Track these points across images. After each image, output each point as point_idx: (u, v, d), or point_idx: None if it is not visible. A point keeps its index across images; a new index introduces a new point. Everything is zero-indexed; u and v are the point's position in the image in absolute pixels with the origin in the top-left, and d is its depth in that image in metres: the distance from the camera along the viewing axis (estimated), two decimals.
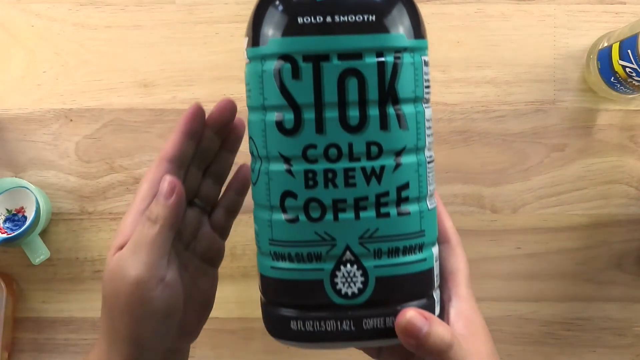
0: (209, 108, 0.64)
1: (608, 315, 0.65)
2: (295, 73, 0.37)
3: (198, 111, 0.44)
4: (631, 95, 0.62)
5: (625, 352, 0.65)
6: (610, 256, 0.65)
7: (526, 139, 0.64)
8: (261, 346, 0.65)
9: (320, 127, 0.37)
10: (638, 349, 0.65)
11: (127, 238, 0.41)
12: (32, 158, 0.65)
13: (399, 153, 0.38)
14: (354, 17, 0.36)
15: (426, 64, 0.40)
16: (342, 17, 0.36)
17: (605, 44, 0.61)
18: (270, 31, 0.37)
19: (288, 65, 0.37)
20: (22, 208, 0.64)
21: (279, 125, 0.37)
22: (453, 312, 0.41)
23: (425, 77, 0.40)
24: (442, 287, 0.42)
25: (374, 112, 0.37)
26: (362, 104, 0.37)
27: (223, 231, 0.47)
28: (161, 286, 0.40)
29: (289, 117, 0.37)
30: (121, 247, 0.41)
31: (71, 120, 0.65)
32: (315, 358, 0.65)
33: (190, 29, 0.65)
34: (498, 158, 0.65)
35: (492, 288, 0.65)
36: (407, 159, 0.38)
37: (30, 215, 0.62)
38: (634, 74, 0.57)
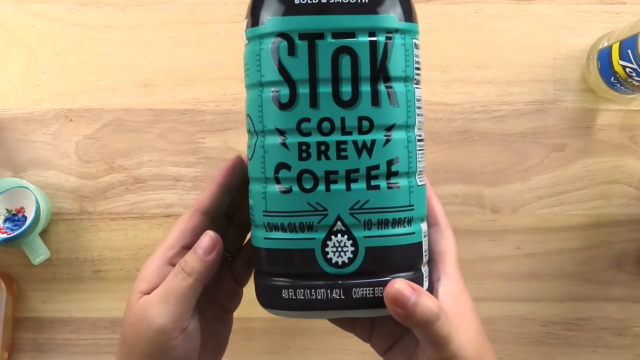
0: (209, 108, 0.65)
1: (608, 315, 0.65)
2: (292, 50, 0.38)
3: (238, 163, 0.44)
4: (631, 95, 0.62)
5: (625, 352, 0.65)
6: (610, 256, 0.65)
7: (526, 139, 0.64)
8: (261, 346, 0.65)
9: (314, 101, 0.39)
10: (638, 349, 0.65)
11: (152, 284, 0.41)
12: (32, 158, 0.65)
13: (389, 128, 0.39)
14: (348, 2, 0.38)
15: (417, 46, 0.41)
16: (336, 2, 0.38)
17: (605, 44, 0.61)
18: (268, 12, 0.39)
19: (284, 43, 0.39)
20: (22, 208, 0.64)
21: (275, 100, 0.39)
22: (442, 290, 0.42)
23: (415, 58, 0.41)
24: (431, 267, 0.43)
25: (365, 88, 0.39)
26: (355, 80, 0.39)
27: (242, 279, 0.47)
28: (183, 336, 0.41)
29: (284, 92, 0.39)
30: (146, 293, 0.41)
31: (71, 120, 0.65)
32: (316, 357, 0.65)
33: (190, 29, 0.65)
34: (498, 158, 0.65)
35: (492, 288, 0.65)
36: (397, 135, 0.40)
37: (30, 215, 0.62)
38: (634, 74, 0.57)
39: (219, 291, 0.45)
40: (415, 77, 0.41)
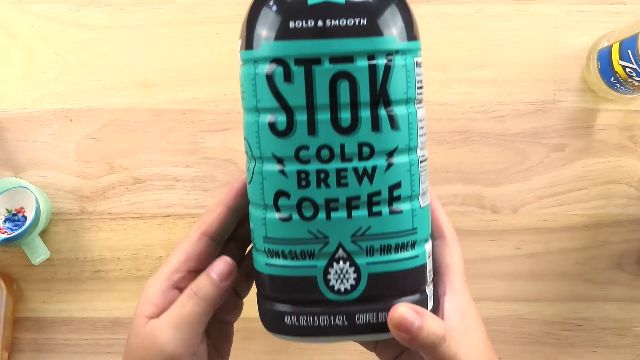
0: (209, 108, 0.65)
1: (608, 315, 0.65)
2: (287, 76, 0.37)
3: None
4: (631, 95, 0.62)
5: (625, 352, 0.65)
6: (610, 256, 0.65)
7: (526, 139, 0.64)
8: (261, 346, 0.65)
9: (312, 128, 0.37)
10: (638, 349, 0.65)
11: (158, 308, 0.41)
12: (32, 158, 0.65)
13: (390, 153, 0.38)
14: (345, 21, 0.36)
15: (418, 65, 0.40)
16: (333, 21, 0.36)
17: (605, 44, 0.61)
18: (262, 35, 0.37)
19: (280, 69, 0.37)
20: (22, 208, 0.64)
21: (272, 127, 0.38)
22: (448, 306, 0.41)
23: (417, 77, 0.39)
24: (437, 281, 0.43)
25: (365, 114, 0.38)
26: (354, 106, 0.37)
27: (243, 292, 0.46)
28: (192, 359, 0.40)
29: (281, 119, 0.38)
30: (152, 317, 0.40)
31: (71, 120, 0.65)
32: (316, 357, 0.65)
33: (190, 29, 0.65)
34: (498, 158, 0.65)
35: (492, 288, 0.65)
36: (399, 159, 0.39)
37: (30, 215, 0.62)
38: (634, 74, 0.57)
39: (221, 309, 0.45)
40: (418, 96, 0.40)
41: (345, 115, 0.37)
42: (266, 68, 0.37)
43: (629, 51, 0.56)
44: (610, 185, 0.65)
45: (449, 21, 0.64)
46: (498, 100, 0.64)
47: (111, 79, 0.65)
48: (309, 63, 0.37)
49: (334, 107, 0.37)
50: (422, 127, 0.40)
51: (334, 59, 0.37)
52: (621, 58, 0.58)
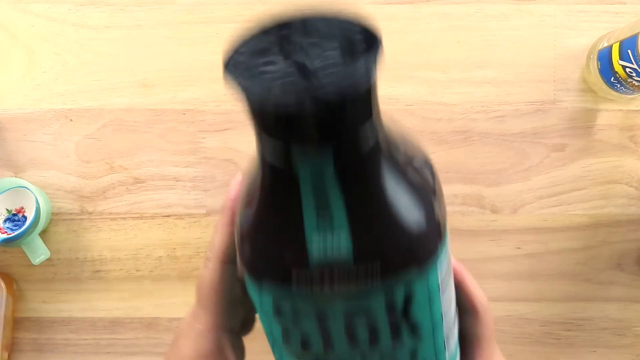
0: (209, 108, 0.65)
1: (608, 315, 0.65)
2: (297, 315, 0.33)
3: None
4: (631, 95, 0.62)
5: (625, 352, 0.65)
6: (610, 256, 0.65)
7: (526, 139, 0.64)
8: (261, 346, 0.65)
9: (328, 346, 0.34)
10: (638, 349, 0.65)
11: None
12: (32, 158, 0.65)
13: (414, 350, 0.34)
14: (356, 275, 0.30)
15: (444, 283, 0.33)
16: (342, 278, 0.30)
17: (605, 44, 0.61)
18: (261, 268, 0.32)
19: (288, 313, 0.33)
20: (22, 208, 0.64)
21: (285, 338, 0.35)
22: None
23: (443, 296, 0.34)
24: (468, 351, 0.41)
25: (386, 342, 0.33)
26: (373, 336, 0.33)
27: (247, 333, 0.45)
28: None
29: (295, 336, 0.34)
30: None
31: (71, 120, 0.65)
32: None
33: (190, 29, 0.65)
34: (498, 158, 0.65)
35: (492, 288, 0.65)
36: (423, 350, 0.35)
37: (30, 215, 0.62)
38: (634, 74, 0.57)
39: (243, 328, 0.44)
40: (444, 308, 0.34)
41: (364, 345, 0.33)
42: (272, 305, 0.33)
43: (629, 51, 0.56)
44: (610, 185, 0.65)
45: (449, 21, 0.64)
46: (498, 100, 0.64)
47: (111, 79, 0.65)
48: (320, 310, 0.32)
49: (353, 343, 0.34)
50: (446, 313, 0.36)
51: (347, 306, 0.32)
52: (621, 58, 0.58)
